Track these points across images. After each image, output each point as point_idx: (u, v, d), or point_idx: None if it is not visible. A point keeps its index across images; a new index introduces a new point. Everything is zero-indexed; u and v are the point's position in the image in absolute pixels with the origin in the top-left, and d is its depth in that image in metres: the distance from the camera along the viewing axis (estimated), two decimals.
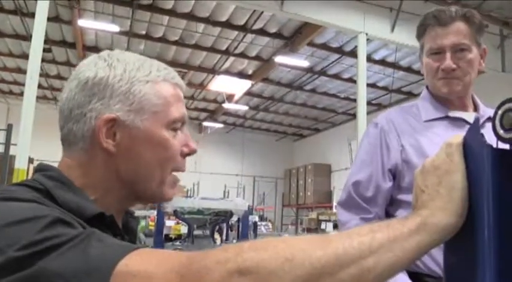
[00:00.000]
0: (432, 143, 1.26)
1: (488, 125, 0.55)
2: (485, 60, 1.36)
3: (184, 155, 0.73)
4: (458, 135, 0.55)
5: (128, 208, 0.75)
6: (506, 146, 0.52)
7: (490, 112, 1.29)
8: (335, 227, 9.58)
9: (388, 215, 1.32)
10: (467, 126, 1.29)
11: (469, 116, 1.32)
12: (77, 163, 0.67)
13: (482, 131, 0.52)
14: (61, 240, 0.49)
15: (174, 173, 0.72)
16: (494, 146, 0.52)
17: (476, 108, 1.37)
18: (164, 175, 0.70)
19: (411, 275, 1.18)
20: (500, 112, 0.53)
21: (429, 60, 1.32)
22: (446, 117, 1.32)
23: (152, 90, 0.68)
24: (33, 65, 4.73)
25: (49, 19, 5.79)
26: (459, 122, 1.31)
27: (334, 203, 11.54)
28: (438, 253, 1.13)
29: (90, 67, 0.68)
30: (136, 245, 0.53)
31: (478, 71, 1.33)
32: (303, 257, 0.47)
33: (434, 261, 1.17)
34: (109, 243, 0.51)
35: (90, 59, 0.71)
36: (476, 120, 0.55)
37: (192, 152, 0.73)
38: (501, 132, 0.52)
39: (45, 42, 5.56)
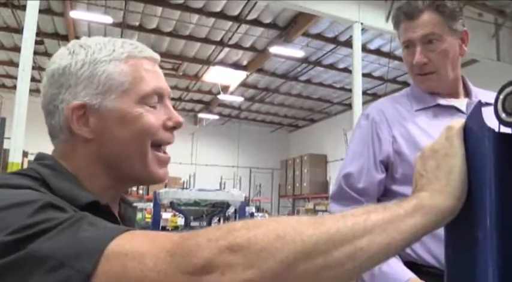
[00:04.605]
0: (423, 133, 1.25)
1: (483, 110, 0.54)
2: (468, 43, 1.32)
3: (169, 129, 0.71)
4: (459, 119, 0.55)
5: (120, 194, 0.75)
6: (508, 130, 0.51)
7: (483, 96, 1.25)
8: None
9: None
10: (459, 114, 1.29)
11: (460, 103, 1.30)
12: (62, 155, 0.68)
13: None
14: (52, 223, 0.49)
15: (161, 154, 0.71)
16: (496, 130, 0.51)
17: (468, 94, 1.35)
18: (142, 150, 0.68)
19: (406, 264, 1.17)
20: (501, 96, 0.53)
21: (404, 54, 1.34)
22: (437, 105, 1.30)
23: (116, 68, 0.68)
24: (26, 57, 4.67)
25: (41, 11, 5.71)
26: (450, 109, 1.29)
27: (331, 193, 11.58)
28: (431, 242, 1.14)
29: (55, 60, 0.69)
30: (129, 227, 0.52)
31: (461, 55, 1.31)
32: (294, 235, 0.46)
33: (427, 251, 1.17)
34: (101, 226, 0.51)
35: (58, 51, 0.71)
36: (478, 104, 0.54)
37: (177, 124, 0.72)
38: (503, 115, 0.52)
39: (37, 34, 5.48)
